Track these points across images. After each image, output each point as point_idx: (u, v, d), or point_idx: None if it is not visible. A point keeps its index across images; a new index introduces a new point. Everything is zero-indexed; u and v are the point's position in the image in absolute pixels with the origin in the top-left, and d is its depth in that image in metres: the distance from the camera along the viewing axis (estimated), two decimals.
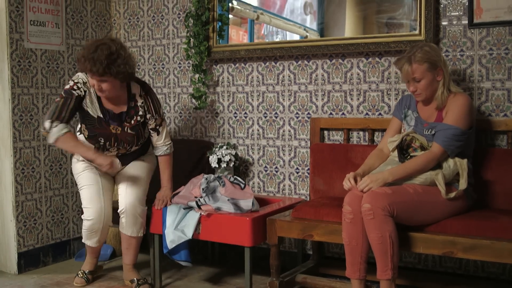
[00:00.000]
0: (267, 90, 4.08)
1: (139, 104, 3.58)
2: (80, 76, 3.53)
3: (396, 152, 3.08)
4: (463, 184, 2.97)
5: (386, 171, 2.98)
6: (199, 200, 3.47)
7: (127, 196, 3.59)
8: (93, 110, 3.54)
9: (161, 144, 3.70)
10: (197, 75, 4.26)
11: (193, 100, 4.35)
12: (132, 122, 3.58)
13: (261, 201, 3.71)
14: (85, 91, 3.50)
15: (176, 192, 3.67)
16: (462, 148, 3.02)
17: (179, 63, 4.47)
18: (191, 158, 4.25)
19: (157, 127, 3.65)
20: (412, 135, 3.09)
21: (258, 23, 4.54)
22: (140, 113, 3.59)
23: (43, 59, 4.20)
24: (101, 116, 3.54)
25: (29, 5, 4.10)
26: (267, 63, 4.07)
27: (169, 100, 4.54)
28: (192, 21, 4.21)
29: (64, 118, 3.44)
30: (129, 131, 3.59)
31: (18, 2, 4.01)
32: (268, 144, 4.11)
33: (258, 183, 4.17)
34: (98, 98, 3.54)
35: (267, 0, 4.47)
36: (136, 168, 3.75)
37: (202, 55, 4.16)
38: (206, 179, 3.56)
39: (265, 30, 4.66)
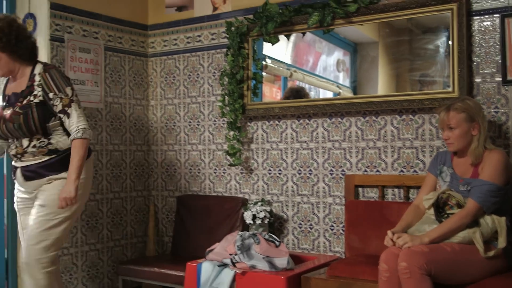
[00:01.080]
0: (301, 147, 4.12)
1: (36, 83, 3.18)
2: None
3: (432, 210, 3.06)
4: (502, 242, 2.91)
5: (423, 234, 2.94)
6: (233, 257, 3.47)
7: (24, 245, 3.21)
8: None
9: (74, 128, 3.14)
10: (231, 132, 4.32)
11: (228, 157, 4.40)
12: (25, 102, 3.15)
13: (296, 259, 3.68)
14: None
15: (211, 249, 3.68)
16: (498, 204, 2.97)
17: (214, 120, 4.55)
18: (225, 214, 4.27)
19: (65, 109, 3.14)
20: (448, 193, 3.06)
21: (291, 80, 4.61)
22: (35, 92, 3.16)
23: None
24: (2, 102, 3.27)
25: (70, 65, 4.24)
26: (301, 120, 4.12)
27: (204, 157, 4.60)
28: (227, 79, 4.30)
29: None
30: (17, 110, 3.15)
31: (60, 62, 4.16)
32: (302, 201, 4.11)
33: (293, 240, 4.16)
34: (5, 85, 3.32)
35: (300, 58, 4.54)
36: (41, 197, 3.20)
37: (237, 113, 4.23)
38: (241, 236, 3.56)
39: None
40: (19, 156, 3.20)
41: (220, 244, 3.67)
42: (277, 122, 4.23)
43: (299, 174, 4.12)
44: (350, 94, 4.14)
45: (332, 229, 3.98)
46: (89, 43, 4.40)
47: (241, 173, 4.40)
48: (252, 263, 3.41)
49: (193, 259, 3.71)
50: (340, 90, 4.27)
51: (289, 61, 4.49)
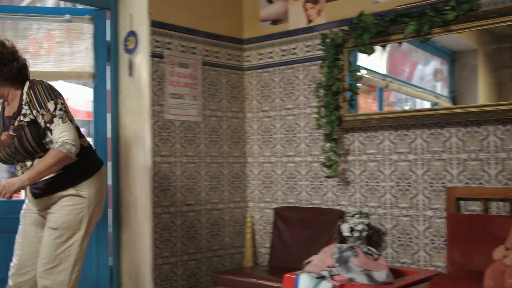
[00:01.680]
0: (399, 158, 4.05)
1: (23, 102, 3.06)
2: None
3: None
4: None
5: None
6: (331, 270, 3.45)
7: (43, 269, 3.11)
8: None
9: (55, 140, 2.98)
10: (328, 144, 4.31)
11: (324, 169, 4.39)
12: (16, 123, 3.05)
13: (395, 273, 3.61)
14: None
15: (308, 261, 3.67)
16: None
17: (310, 132, 4.55)
18: (322, 226, 4.26)
19: (47, 125, 3.00)
20: None
21: (387, 91, 4.55)
22: (23, 111, 3.05)
23: (181, 130, 4.45)
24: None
25: (170, 80, 4.39)
26: (399, 132, 4.05)
27: (300, 169, 4.61)
28: (322, 91, 4.30)
29: None
30: (10, 133, 3.05)
31: (160, 77, 4.31)
32: (401, 213, 4.03)
33: (391, 253, 4.08)
34: (3, 109, 3.23)
35: (395, 68, 4.48)
36: (51, 219, 3.11)
37: (333, 125, 4.22)
38: (339, 248, 3.54)
39: (394, 97, 4.66)
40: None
41: (317, 256, 3.66)
42: (374, 133, 4.18)
43: (398, 186, 4.05)
44: (448, 104, 4.04)
45: (432, 243, 3.88)
46: (188, 58, 4.53)
47: (338, 185, 4.38)
48: (350, 276, 3.37)
49: (290, 270, 3.72)
50: (438, 100, 4.17)
51: (384, 72, 4.45)
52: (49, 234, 3.09)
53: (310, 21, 4.60)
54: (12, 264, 3.26)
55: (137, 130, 4.33)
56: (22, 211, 3.32)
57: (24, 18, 4.35)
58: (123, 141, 4.45)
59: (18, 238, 3.28)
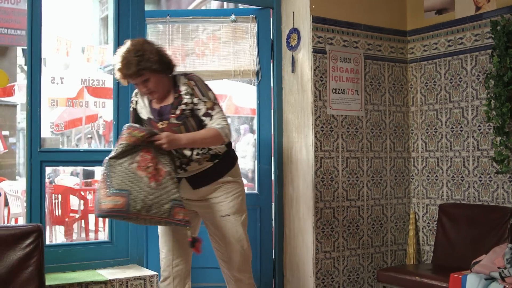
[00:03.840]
0: None
1: (182, 92, 3.21)
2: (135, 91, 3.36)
3: None
4: None
5: None
6: (502, 271, 3.26)
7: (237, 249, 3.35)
8: (145, 114, 3.32)
9: (214, 124, 3.16)
10: (498, 138, 4.07)
11: (494, 164, 4.15)
12: (178, 112, 3.19)
13: None
14: (136, 101, 3.36)
15: (477, 261, 3.51)
16: None
17: (479, 126, 4.33)
18: (491, 225, 4.04)
19: (209, 111, 3.18)
20: None
21: None
22: (185, 100, 3.20)
23: (344, 125, 4.44)
24: (151, 116, 3.28)
25: (332, 75, 4.40)
26: None
27: (468, 164, 4.40)
28: (492, 82, 4.06)
29: None
30: (174, 121, 3.20)
31: (322, 72, 4.34)
32: None
33: None
34: (150, 101, 3.32)
35: None
36: (220, 208, 3.30)
37: (505, 117, 3.97)
38: (511, 249, 3.34)
39: None
40: (184, 166, 3.24)
41: (487, 256, 3.48)
42: None
43: None
44: None
45: None
46: (349, 53, 4.51)
47: (510, 181, 4.12)
48: None
49: (456, 270, 3.58)
50: None
51: None
52: (225, 221, 3.29)
53: (478, 8, 4.37)
54: (163, 256, 3.36)
55: (299, 126, 4.40)
56: None
57: (193, 20, 4.60)
58: (286, 136, 4.54)
59: (167, 231, 3.36)
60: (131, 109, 3.40)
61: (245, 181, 8.35)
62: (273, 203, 4.55)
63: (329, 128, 4.36)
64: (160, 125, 3.22)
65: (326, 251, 4.31)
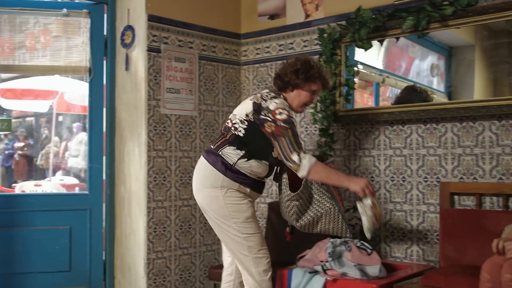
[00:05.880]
0: (394, 153, 4.03)
1: None
2: (283, 103, 3.21)
3: None
4: None
5: None
6: (324, 264, 3.45)
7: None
8: None
9: None
10: (323, 139, 4.30)
11: None
12: None
13: (388, 267, 3.60)
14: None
15: (302, 255, 3.67)
16: None
17: (306, 127, 4.54)
18: None
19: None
20: None
21: (384, 86, 4.54)
22: None
23: (177, 124, 4.44)
24: None
25: (166, 74, 4.38)
26: (394, 127, 4.04)
27: None
28: None
29: (303, 147, 3.18)
30: None
31: (156, 71, 4.30)
32: (395, 208, 4.02)
33: (385, 248, 4.07)
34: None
35: (392, 63, 4.47)
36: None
37: (329, 119, 4.21)
38: (332, 243, 3.54)
39: (390, 93, 4.65)
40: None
41: (311, 250, 3.66)
42: (369, 128, 4.17)
43: (392, 181, 4.04)
44: (444, 100, 4.03)
45: (426, 238, 3.87)
46: (184, 53, 4.52)
47: None
48: (343, 270, 3.37)
49: (284, 265, 3.71)
50: (434, 95, 4.16)
51: (381, 67, 4.43)
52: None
53: (307, 16, 4.59)
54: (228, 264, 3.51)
55: (132, 125, 4.33)
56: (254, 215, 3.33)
57: (22, 12, 4.34)
58: (118, 135, 4.44)
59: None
60: (293, 120, 3.21)
61: (77, 181, 8.13)
62: (104, 204, 4.43)
63: (163, 128, 4.34)
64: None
65: (158, 251, 4.28)
